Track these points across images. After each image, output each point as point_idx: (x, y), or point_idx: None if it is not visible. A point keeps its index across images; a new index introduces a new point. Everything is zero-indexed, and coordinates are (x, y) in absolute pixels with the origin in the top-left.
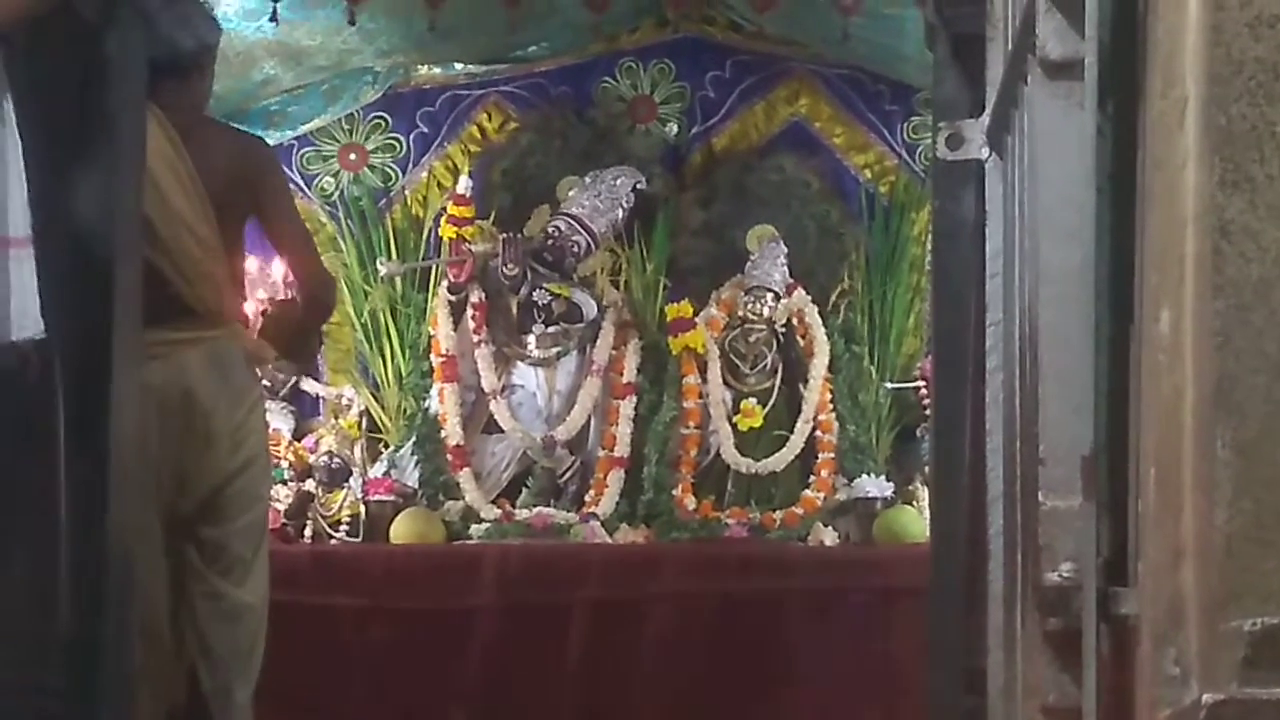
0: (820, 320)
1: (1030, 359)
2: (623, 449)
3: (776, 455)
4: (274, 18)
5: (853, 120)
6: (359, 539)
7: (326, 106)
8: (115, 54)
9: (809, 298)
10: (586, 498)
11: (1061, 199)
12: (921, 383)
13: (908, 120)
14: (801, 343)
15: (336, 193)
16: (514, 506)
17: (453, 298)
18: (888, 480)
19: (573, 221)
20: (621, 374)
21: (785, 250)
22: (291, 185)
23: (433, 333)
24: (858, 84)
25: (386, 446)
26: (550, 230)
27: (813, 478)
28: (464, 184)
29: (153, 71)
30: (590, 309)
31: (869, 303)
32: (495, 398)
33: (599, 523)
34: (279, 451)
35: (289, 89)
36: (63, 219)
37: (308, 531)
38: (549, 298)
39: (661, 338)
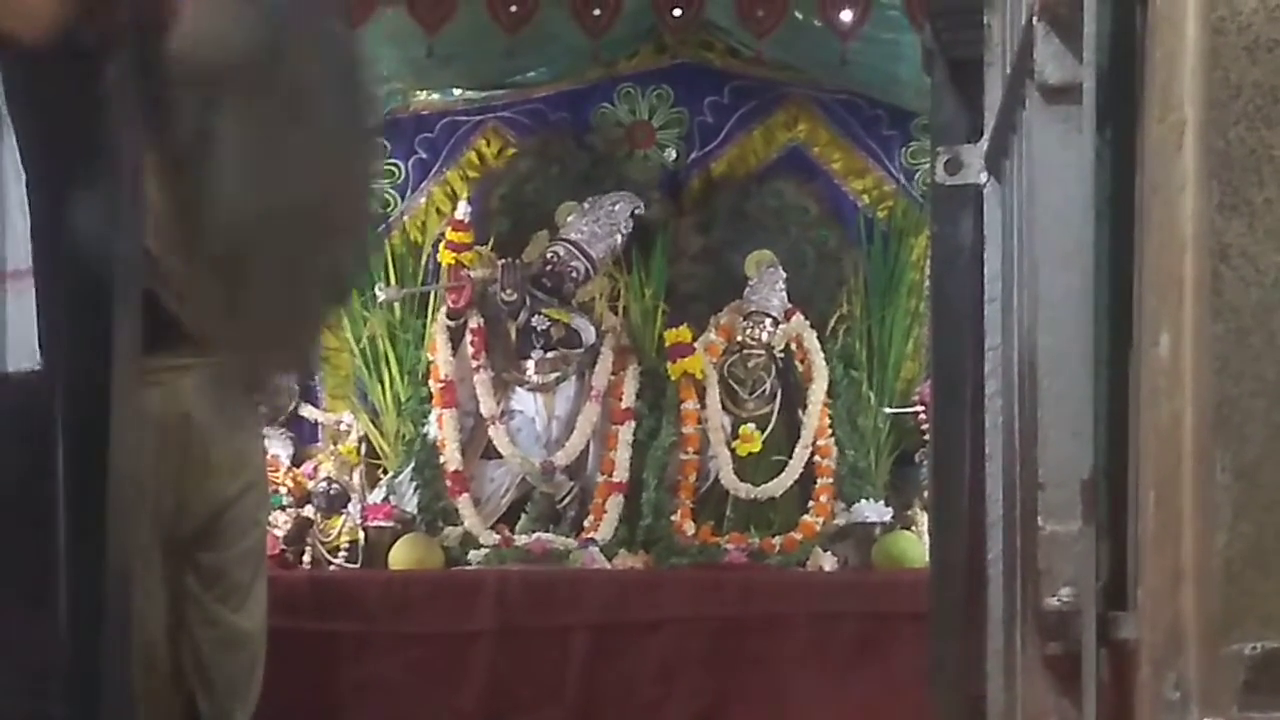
0: (819, 345)
1: (1029, 383)
2: (621, 474)
3: (775, 480)
4: None
5: (851, 145)
6: (358, 565)
7: None
8: (116, 83)
9: (807, 323)
10: (585, 523)
11: (1060, 223)
12: (920, 408)
13: (906, 145)
14: (800, 368)
15: None
16: (513, 532)
17: (451, 323)
18: (886, 505)
19: (571, 247)
20: (620, 399)
21: (784, 275)
22: None
23: (431, 358)
24: (856, 109)
25: (385, 472)
26: (549, 256)
27: (811, 503)
28: (463, 209)
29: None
30: (589, 334)
31: (867, 328)
32: (494, 423)
33: (598, 548)
34: (278, 478)
35: None
36: (63, 249)
37: (306, 557)
38: (548, 323)
39: (660, 363)
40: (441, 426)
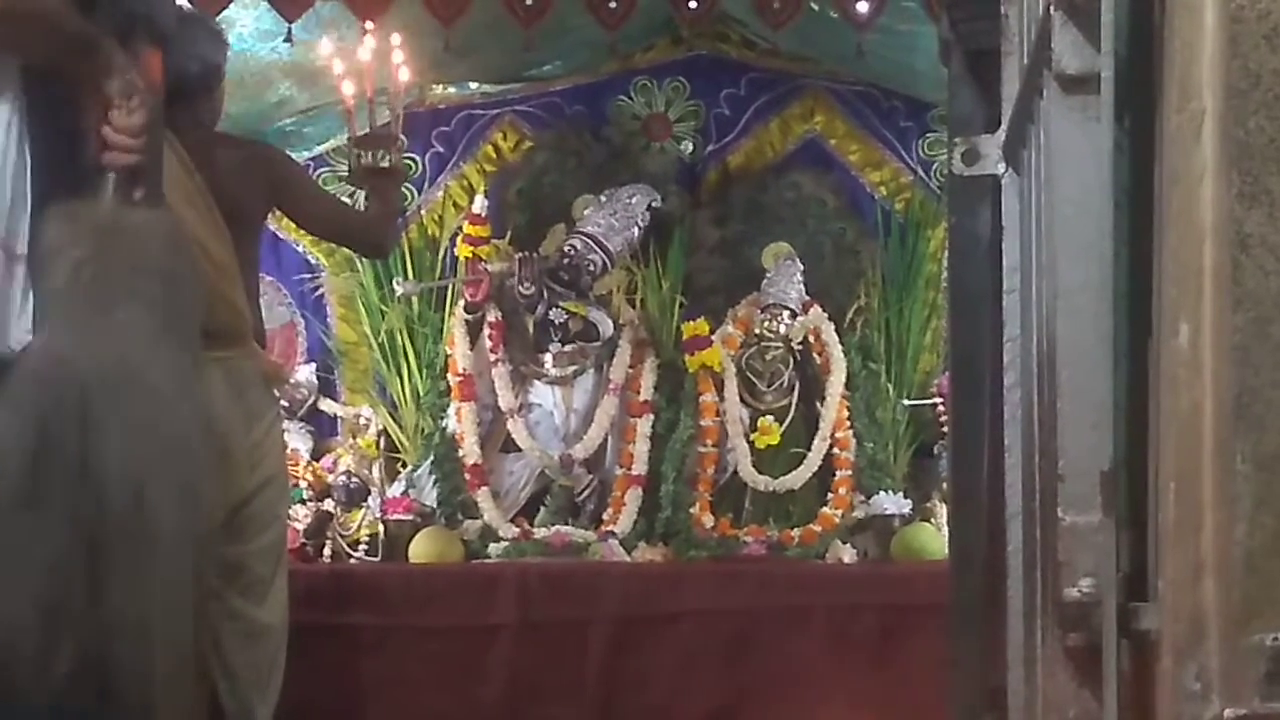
0: (837, 337)
1: (1048, 374)
2: (640, 467)
3: (794, 473)
4: (289, 39)
5: (868, 137)
6: (378, 558)
7: (342, 127)
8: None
9: (825, 315)
10: (604, 516)
11: (1079, 213)
12: (939, 399)
13: (923, 136)
14: (818, 360)
15: None
16: (532, 525)
17: (469, 317)
18: (905, 497)
19: (588, 240)
20: (638, 392)
21: (801, 267)
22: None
23: (449, 352)
24: (872, 100)
25: (404, 466)
26: (566, 249)
27: (830, 495)
28: (480, 203)
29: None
30: (606, 327)
31: (885, 320)
32: (512, 416)
33: (617, 541)
34: (297, 471)
35: (304, 109)
36: None
37: (327, 551)
38: (565, 316)
39: (678, 356)
40: (460, 420)
